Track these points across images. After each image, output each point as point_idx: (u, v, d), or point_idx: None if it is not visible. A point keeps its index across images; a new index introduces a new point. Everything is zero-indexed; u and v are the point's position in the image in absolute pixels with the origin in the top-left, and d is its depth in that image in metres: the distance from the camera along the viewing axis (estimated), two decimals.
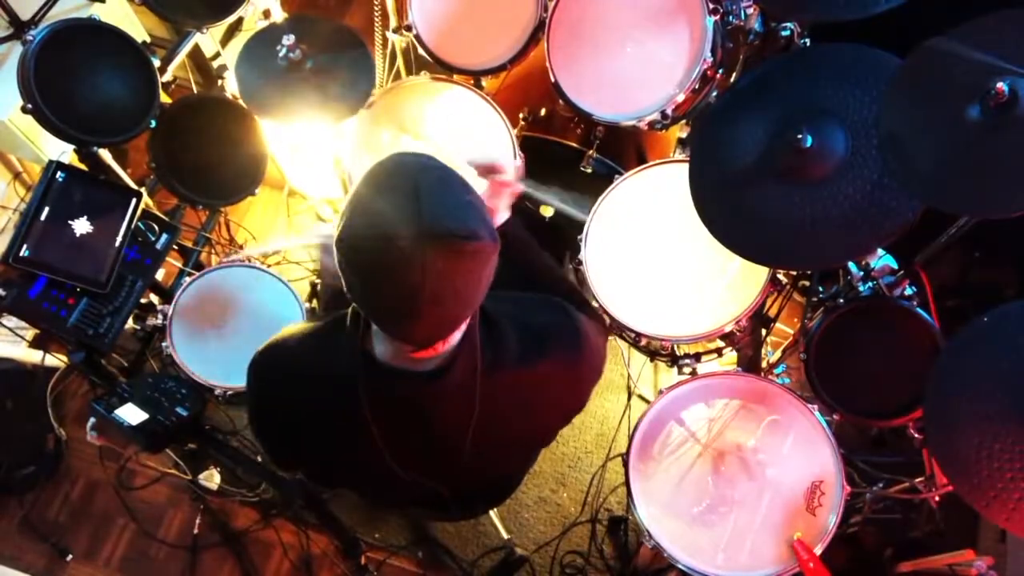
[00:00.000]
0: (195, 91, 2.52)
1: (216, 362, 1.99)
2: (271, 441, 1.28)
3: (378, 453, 1.15)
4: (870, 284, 1.66)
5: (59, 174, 1.80)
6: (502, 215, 1.38)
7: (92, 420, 1.71)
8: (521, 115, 2.23)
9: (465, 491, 1.50)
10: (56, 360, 2.16)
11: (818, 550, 1.62)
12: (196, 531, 2.45)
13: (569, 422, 1.35)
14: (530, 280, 1.39)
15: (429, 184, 0.92)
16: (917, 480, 1.78)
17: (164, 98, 2.00)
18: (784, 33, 1.72)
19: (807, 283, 1.94)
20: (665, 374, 2.58)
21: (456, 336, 1.05)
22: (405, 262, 0.88)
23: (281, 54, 1.88)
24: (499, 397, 1.13)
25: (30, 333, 2.52)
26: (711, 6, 1.80)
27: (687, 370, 1.93)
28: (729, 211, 1.56)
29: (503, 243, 1.36)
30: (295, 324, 1.22)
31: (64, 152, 1.97)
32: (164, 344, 1.99)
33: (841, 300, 1.71)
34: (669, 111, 1.84)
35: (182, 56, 2.32)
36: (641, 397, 2.56)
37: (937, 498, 1.77)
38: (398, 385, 1.08)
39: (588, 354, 1.22)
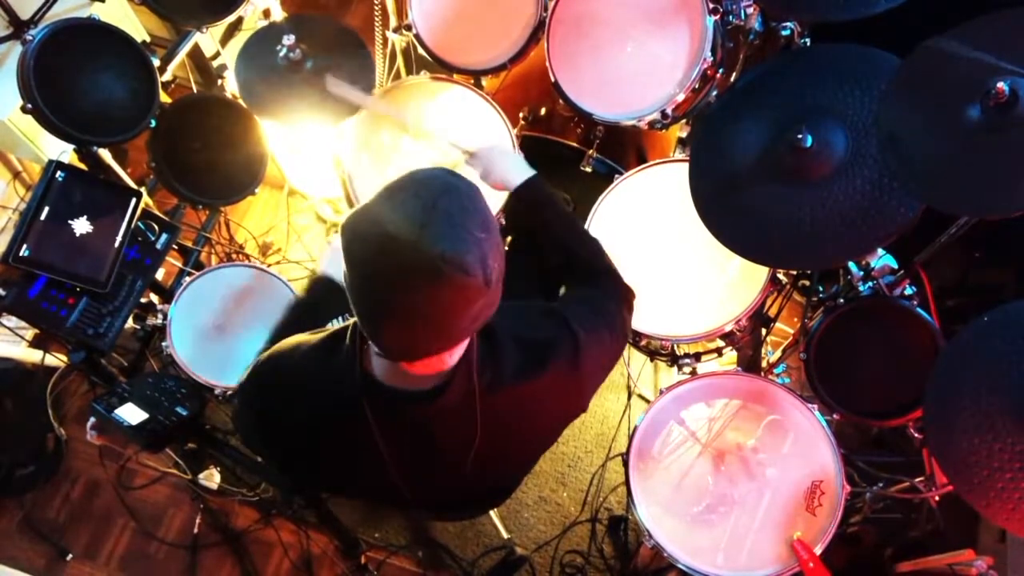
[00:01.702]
0: (195, 91, 2.52)
1: (216, 362, 1.99)
2: (266, 448, 1.28)
3: (378, 464, 1.15)
4: (870, 284, 1.66)
5: (59, 174, 1.80)
6: (520, 173, 1.39)
7: (92, 420, 1.71)
8: (521, 115, 2.24)
9: (464, 497, 1.50)
10: (56, 360, 2.15)
11: (818, 550, 1.62)
12: (196, 531, 2.45)
13: (568, 424, 1.35)
14: (549, 243, 1.40)
15: (448, 207, 0.90)
16: (917, 480, 1.78)
17: (164, 98, 2.00)
18: (784, 33, 1.72)
19: (807, 283, 1.94)
20: (665, 374, 2.58)
21: (454, 356, 1.04)
22: (390, 265, 0.88)
23: (281, 54, 1.88)
24: (500, 413, 1.13)
25: (30, 333, 2.52)
26: (711, 6, 1.79)
27: (687, 370, 1.93)
28: (729, 211, 1.56)
29: (528, 200, 1.38)
30: (293, 337, 1.21)
31: (64, 152, 1.97)
32: (164, 344, 1.99)
33: (841, 300, 1.71)
34: (669, 111, 1.84)
35: (182, 56, 2.31)
36: (641, 397, 2.55)
37: (937, 498, 1.77)
38: (396, 404, 1.07)
39: (588, 361, 1.21)
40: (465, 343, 1.05)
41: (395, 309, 0.91)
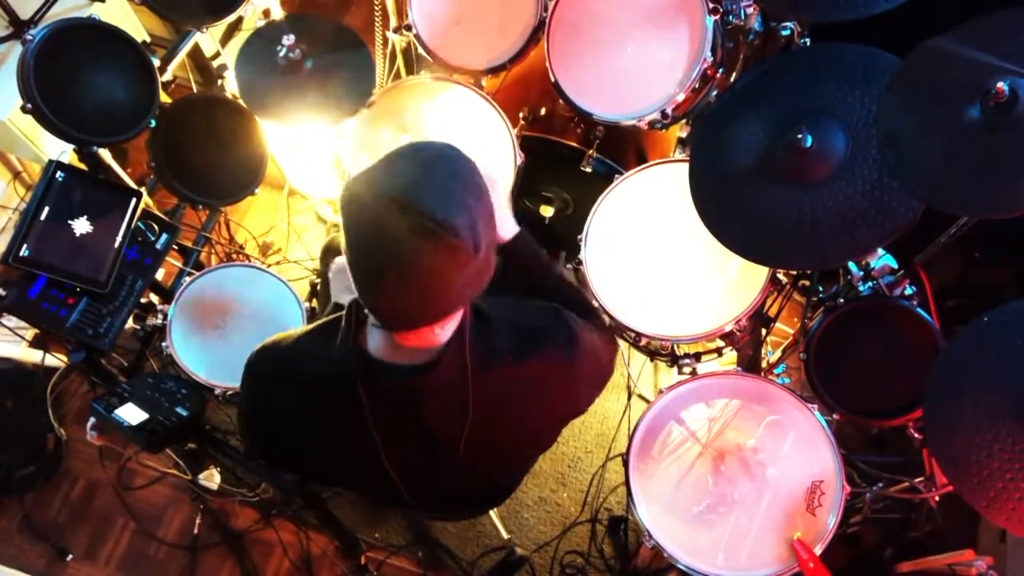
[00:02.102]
0: (195, 91, 2.52)
1: (216, 362, 1.99)
2: (264, 441, 1.28)
3: (372, 452, 1.15)
4: (870, 284, 1.66)
5: (59, 174, 1.80)
6: (509, 226, 1.38)
7: (92, 420, 1.71)
8: (521, 115, 2.23)
9: (462, 493, 1.50)
10: (56, 360, 2.15)
11: (818, 550, 1.62)
12: (196, 531, 2.45)
13: (566, 424, 1.35)
14: (536, 292, 1.39)
15: (441, 172, 0.95)
16: (917, 480, 1.78)
17: (164, 98, 2.00)
18: (784, 33, 1.72)
19: (807, 283, 1.94)
20: (665, 374, 2.58)
21: (444, 332, 1.06)
22: (383, 225, 0.91)
23: (281, 54, 1.88)
24: (491, 395, 1.14)
25: (30, 333, 2.52)
26: (711, 5, 1.79)
27: (687, 370, 1.93)
28: (729, 211, 1.56)
29: (512, 255, 1.35)
30: (290, 329, 1.23)
31: (64, 152, 1.97)
32: (164, 344, 1.99)
33: (841, 300, 1.71)
34: (669, 111, 1.84)
35: (182, 56, 2.31)
36: (641, 397, 2.55)
37: (937, 498, 1.77)
38: (390, 378, 1.08)
39: (582, 356, 1.21)
40: (458, 317, 1.07)
41: (387, 269, 0.93)
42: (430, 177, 0.93)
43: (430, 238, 0.90)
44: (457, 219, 0.91)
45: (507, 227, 1.37)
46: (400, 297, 0.97)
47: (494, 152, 1.99)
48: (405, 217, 0.89)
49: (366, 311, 1.04)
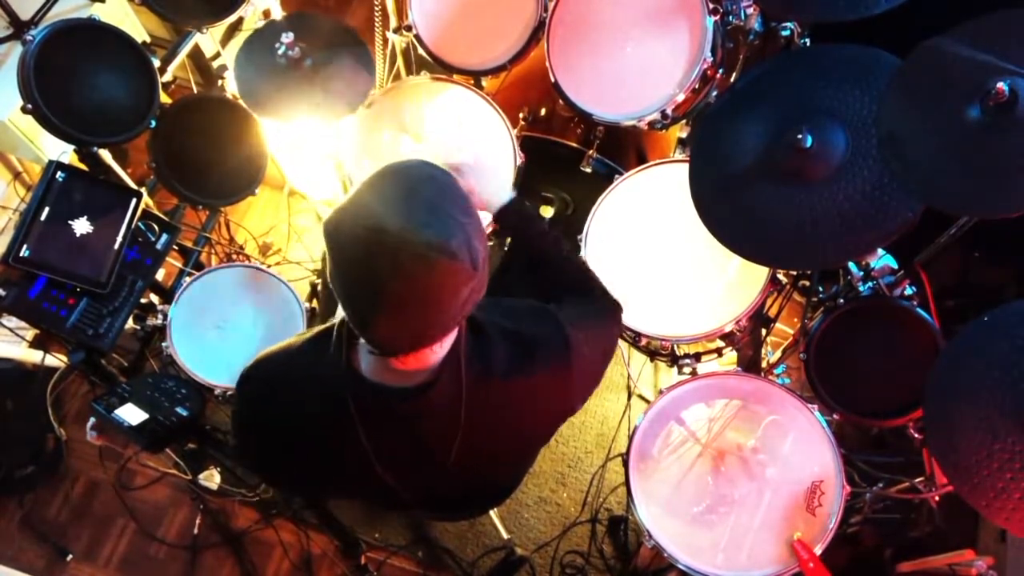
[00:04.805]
0: (195, 91, 2.52)
1: (216, 362, 1.99)
2: (258, 454, 1.27)
3: (368, 465, 1.15)
4: (870, 284, 1.66)
5: (59, 174, 1.80)
6: (504, 193, 1.38)
7: (92, 420, 1.71)
8: (521, 115, 2.24)
9: (458, 495, 1.49)
10: (56, 360, 2.16)
11: (818, 550, 1.62)
12: (196, 531, 2.45)
13: (560, 424, 1.35)
14: (537, 262, 1.39)
15: (427, 194, 0.93)
16: (917, 480, 1.78)
17: (164, 98, 2.00)
18: (784, 33, 1.72)
19: (807, 283, 1.94)
20: (665, 374, 2.58)
21: (441, 350, 1.05)
22: (378, 256, 0.88)
23: (280, 52, 1.88)
24: (485, 408, 1.13)
25: (30, 333, 2.52)
26: (711, 6, 1.80)
27: (687, 370, 1.93)
28: (729, 211, 1.56)
29: (507, 221, 1.35)
30: (283, 341, 1.21)
31: (64, 152, 1.97)
32: (164, 344, 1.99)
33: (841, 300, 1.71)
34: (669, 111, 1.84)
35: (182, 56, 2.31)
36: (641, 397, 2.55)
37: (937, 498, 1.77)
38: (384, 400, 1.07)
39: (578, 361, 1.21)
40: (454, 334, 1.05)
41: (386, 301, 0.91)
42: (418, 200, 0.91)
43: (427, 264, 0.88)
44: (453, 241, 0.89)
45: (502, 195, 1.38)
46: (399, 325, 0.95)
47: (493, 153, 1.99)
48: (402, 248, 0.87)
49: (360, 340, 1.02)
